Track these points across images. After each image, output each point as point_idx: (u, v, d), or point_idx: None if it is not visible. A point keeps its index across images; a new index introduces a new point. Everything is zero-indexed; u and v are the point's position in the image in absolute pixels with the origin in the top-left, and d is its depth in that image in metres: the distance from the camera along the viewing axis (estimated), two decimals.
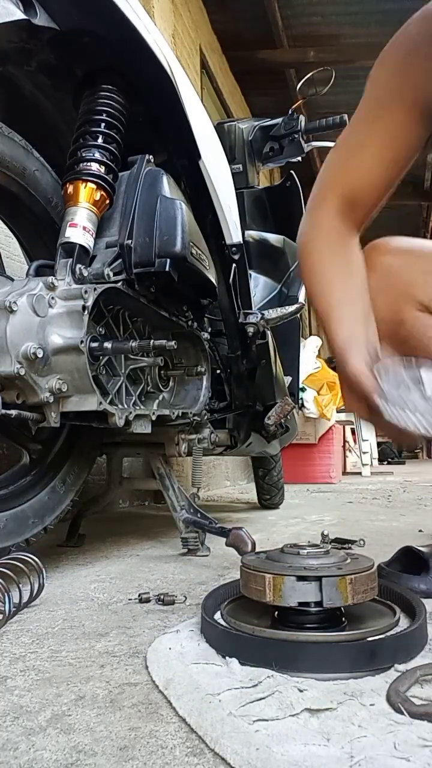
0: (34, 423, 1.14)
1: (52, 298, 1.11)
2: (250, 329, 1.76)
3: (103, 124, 1.25)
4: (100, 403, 1.13)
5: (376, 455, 7.53)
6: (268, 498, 2.66)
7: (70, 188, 1.22)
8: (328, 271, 0.90)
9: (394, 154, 0.89)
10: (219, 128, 1.93)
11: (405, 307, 0.81)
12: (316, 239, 0.93)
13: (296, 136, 2.06)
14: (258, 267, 1.99)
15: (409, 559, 1.05)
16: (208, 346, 1.64)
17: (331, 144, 2.24)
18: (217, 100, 5.16)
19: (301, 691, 0.60)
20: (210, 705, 0.58)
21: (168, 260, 1.27)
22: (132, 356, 1.31)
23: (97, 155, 1.23)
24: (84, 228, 1.20)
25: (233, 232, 1.64)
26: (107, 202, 1.26)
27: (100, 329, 1.22)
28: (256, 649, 0.69)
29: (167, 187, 1.31)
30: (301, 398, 4.06)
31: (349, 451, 6.27)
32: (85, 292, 1.12)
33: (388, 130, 0.87)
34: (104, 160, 1.23)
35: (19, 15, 1.05)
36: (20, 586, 0.97)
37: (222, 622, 0.79)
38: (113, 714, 0.60)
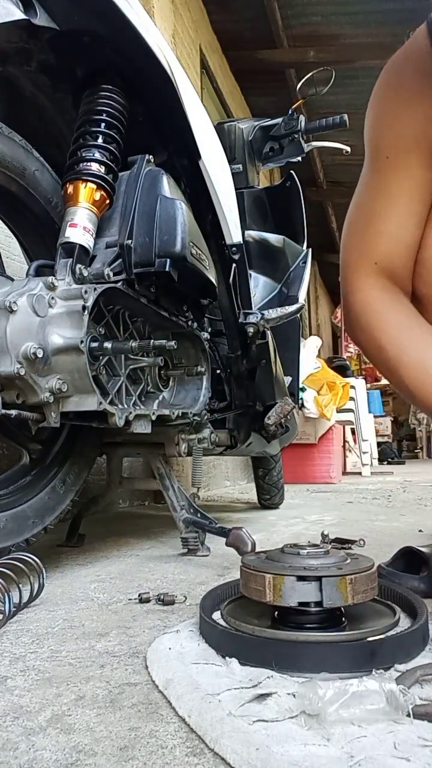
0: (34, 423, 1.14)
1: (52, 298, 1.11)
2: (250, 329, 1.76)
3: (103, 124, 1.25)
4: (100, 403, 1.13)
5: (376, 455, 7.54)
6: (268, 498, 2.66)
7: (70, 188, 1.22)
8: (392, 327, 0.86)
9: (421, 206, 0.85)
10: (219, 128, 1.93)
11: None
12: (368, 304, 0.89)
13: (296, 136, 2.06)
14: (258, 267, 1.99)
15: (409, 559, 1.05)
16: (208, 346, 1.63)
17: (331, 144, 2.26)
18: (217, 100, 5.15)
19: None
20: (210, 705, 0.58)
21: (168, 260, 1.27)
22: (132, 356, 1.31)
23: (97, 155, 1.23)
24: (84, 228, 1.20)
25: (233, 232, 1.64)
26: (107, 202, 1.25)
27: (100, 329, 1.22)
28: (255, 649, 0.69)
29: (167, 187, 1.31)
30: (301, 398, 4.06)
31: (349, 451, 6.27)
32: (85, 292, 1.12)
33: (410, 182, 0.84)
34: (104, 160, 1.23)
35: (19, 15, 1.05)
36: (20, 586, 0.97)
37: (222, 622, 0.79)
38: (113, 714, 0.60)
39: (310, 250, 2.09)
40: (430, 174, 0.83)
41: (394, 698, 0.55)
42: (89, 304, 1.11)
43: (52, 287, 1.12)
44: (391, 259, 0.87)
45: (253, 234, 1.99)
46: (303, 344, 2.32)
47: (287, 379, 2.09)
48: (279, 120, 2.07)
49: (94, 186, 1.22)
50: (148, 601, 1.02)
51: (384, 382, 14.78)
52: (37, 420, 1.13)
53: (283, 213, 2.09)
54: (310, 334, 8.09)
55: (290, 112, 2.07)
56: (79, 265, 1.17)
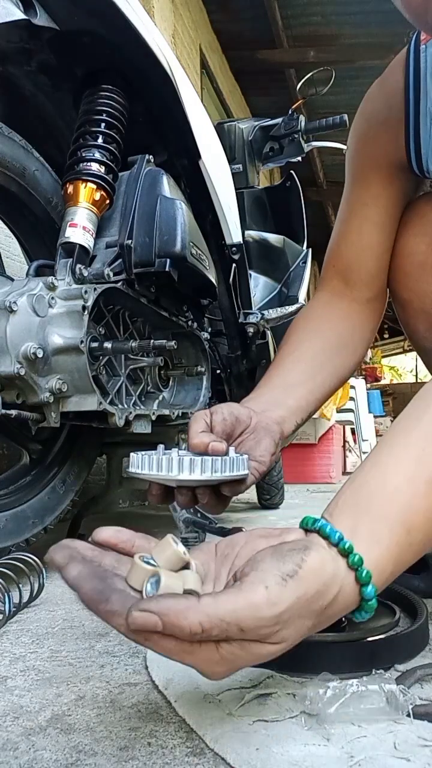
0: (34, 423, 1.14)
1: (52, 298, 1.11)
2: (250, 329, 1.76)
3: (103, 124, 1.25)
4: (100, 403, 1.13)
5: None
6: (268, 498, 2.66)
7: (70, 188, 1.21)
8: (294, 325, 0.97)
9: (378, 215, 0.96)
10: (219, 128, 1.93)
11: None
12: (311, 302, 1.02)
13: (296, 136, 2.06)
14: (258, 267, 1.99)
15: None
16: (208, 346, 1.63)
17: (331, 144, 2.26)
18: (217, 100, 5.16)
19: None
20: (210, 705, 0.58)
21: (168, 260, 1.27)
22: (132, 356, 1.31)
23: (97, 155, 1.23)
24: (84, 228, 1.20)
25: (233, 232, 1.64)
26: (107, 202, 1.25)
27: (100, 329, 1.22)
28: None
29: (167, 187, 1.31)
30: None
31: (349, 451, 6.27)
32: (85, 292, 1.12)
33: (369, 192, 0.96)
34: (104, 160, 1.23)
35: (19, 15, 1.05)
36: (20, 586, 0.97)
37: None
38: (113, 714, 0.60)
39: (310, 250, 2.09)
40: (388, 190, 0.95)
41: (394, 698, 0.55)
42: (89, 304, 1.11)
43: (52, 287, 1.12)
44: (348, 261, 0.98)
45: (253, 234, 1.99)
46: None
47: None
48: (279, 120, 2.07)
49: (94, 186, 1.21)
50: None
51: (384, 382, 14.77)
52: (37, 420, 1.13)
53: (283, 213, 2.09)
54: None
55: (290, 112, 2.07)
56: (79, 265, 1.17)
